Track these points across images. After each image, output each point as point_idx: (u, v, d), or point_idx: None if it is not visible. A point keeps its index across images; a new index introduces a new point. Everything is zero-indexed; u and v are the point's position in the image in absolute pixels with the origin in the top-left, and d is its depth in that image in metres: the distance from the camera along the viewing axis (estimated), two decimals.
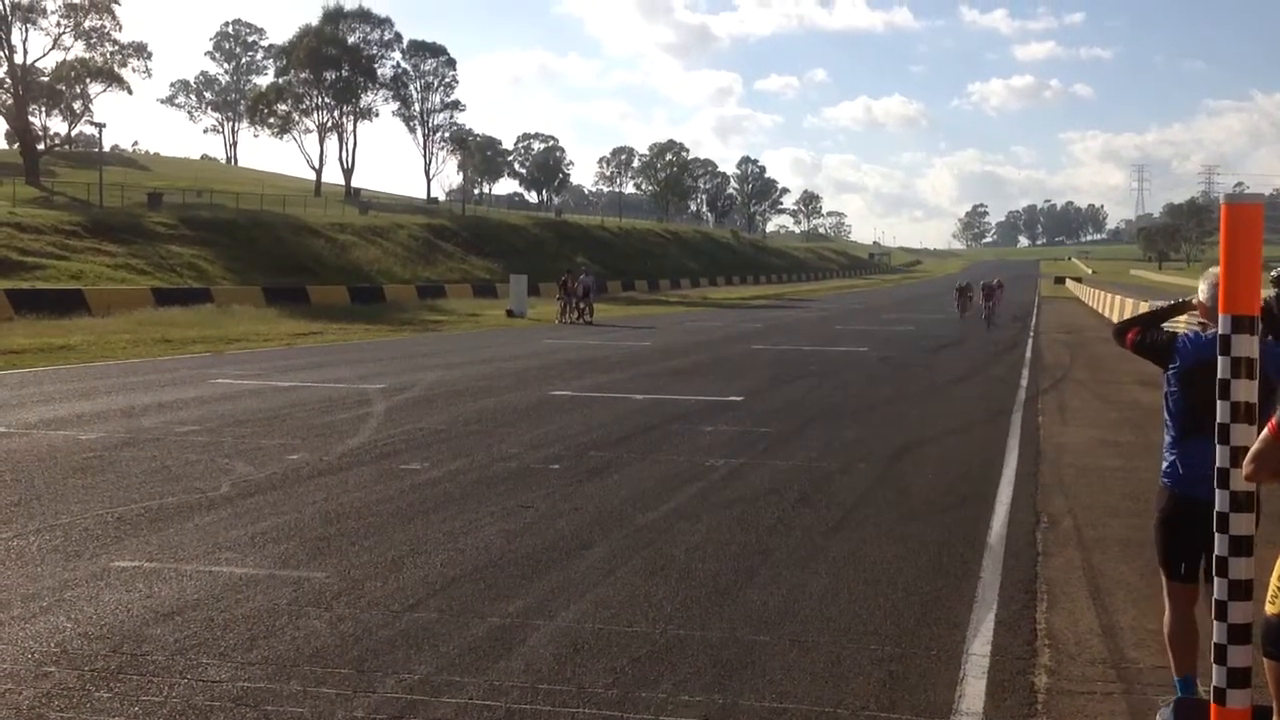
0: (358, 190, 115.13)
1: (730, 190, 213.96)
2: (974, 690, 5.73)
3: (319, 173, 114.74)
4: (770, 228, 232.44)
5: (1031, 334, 38.97)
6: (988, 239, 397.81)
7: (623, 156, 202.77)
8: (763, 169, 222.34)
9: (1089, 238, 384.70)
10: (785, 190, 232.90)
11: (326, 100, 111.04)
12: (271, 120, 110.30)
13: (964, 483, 11.52)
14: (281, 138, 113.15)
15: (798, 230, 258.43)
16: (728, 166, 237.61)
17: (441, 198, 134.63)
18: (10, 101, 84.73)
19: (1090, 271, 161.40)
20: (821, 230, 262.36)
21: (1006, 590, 7.54)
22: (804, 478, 11.45)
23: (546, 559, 8.12)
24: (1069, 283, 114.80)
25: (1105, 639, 6.62)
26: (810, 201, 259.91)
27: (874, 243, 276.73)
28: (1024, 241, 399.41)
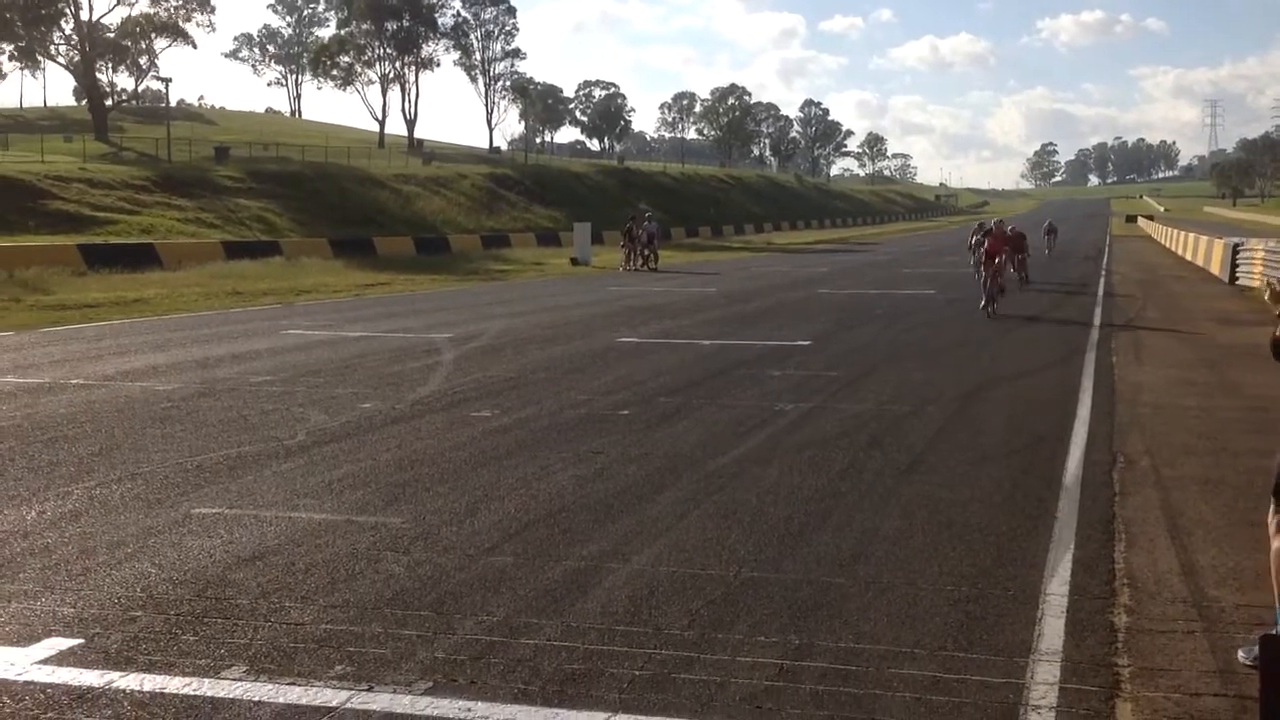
0: (421, 141, 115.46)
1: (793, 134, 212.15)
2: (1053, 629, 5.69)
3: (382, 124, 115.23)
4: (834, 171, 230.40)
5: (1103, 273, 38.40)
6: (1057, 178, 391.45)
7: (684, 102, 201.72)
8: (826, 111, 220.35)
9: (1161, 175, 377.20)
10: (850, 133, 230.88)
11: (388, 51, 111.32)
12: (334, 72, 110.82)
13: (1037, 423, 11.40)
14: (344, 89, 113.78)
15: (862, 173, 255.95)
16: (791, 110, 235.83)
17: (504, 147, 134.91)
18: (78, 58, 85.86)
19: (1163, 209, 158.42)
20: (887, 173, 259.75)
21: (1083, 530, 7.47)
22: (874, 421, 11.39)
23: (619, 504, 8.16)
24: (1140, 221, 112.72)
25: (1185, 578, 6.54)
26: (875, 144, 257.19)
27: (940, 184, 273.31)
28: (1094, 180, 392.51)
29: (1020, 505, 8.16)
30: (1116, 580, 6.49)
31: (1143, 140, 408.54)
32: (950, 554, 6.94)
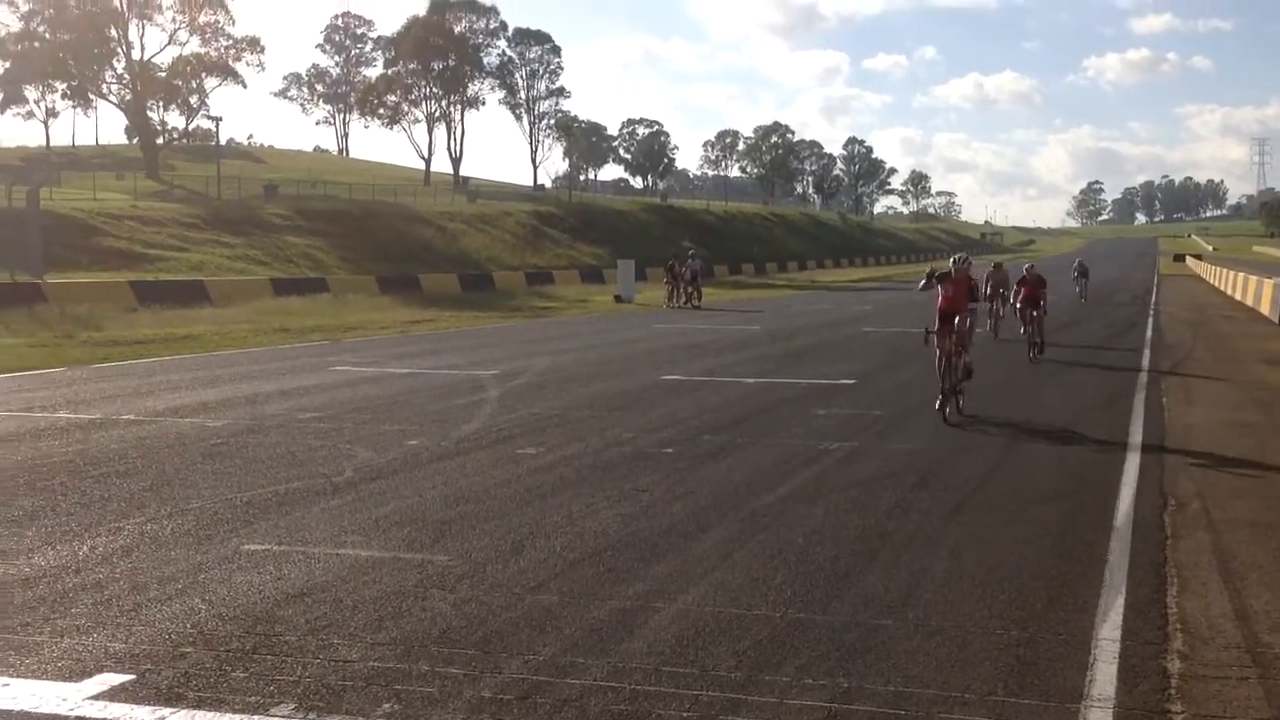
0: (466, 179, 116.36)
1: (837, 171, 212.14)
2: (1105, 675, 5.63)
3: (428, 162, 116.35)
4: (878, 209, 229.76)
5: (1152, 313, 38.08)
6: (1103, 217, 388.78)
7: (728, 140, 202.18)
8: (869, 149, 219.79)
9: (1208, 214, 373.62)
10: (893, 170, 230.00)
11: (434, 90, 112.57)
12: (381, 111, 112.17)
13: (1087, 465, 11.30)
14: (391, 128, 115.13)
15: (906, 211, 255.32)
16: (834, 147, 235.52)
17: (548, 184, 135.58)
18: (129, 97, 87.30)
19: (1211, 248, 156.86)
20: (931, 210, 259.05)
21: (1135, 574, 7.39)
22: (921, 460, 11.33)
23: (664, 542, 8.15)
24: (1189, 260, 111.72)
25: (1239, 623, 6.46)
26: (919, 181, 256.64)
27: (985, 222, 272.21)
28: (1141, 219, 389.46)
29: (1070, 548, 8.08)
30: (1169, 625, 6.41)
31: (1190, 179, 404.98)
32: (1000, 597, 6.88)
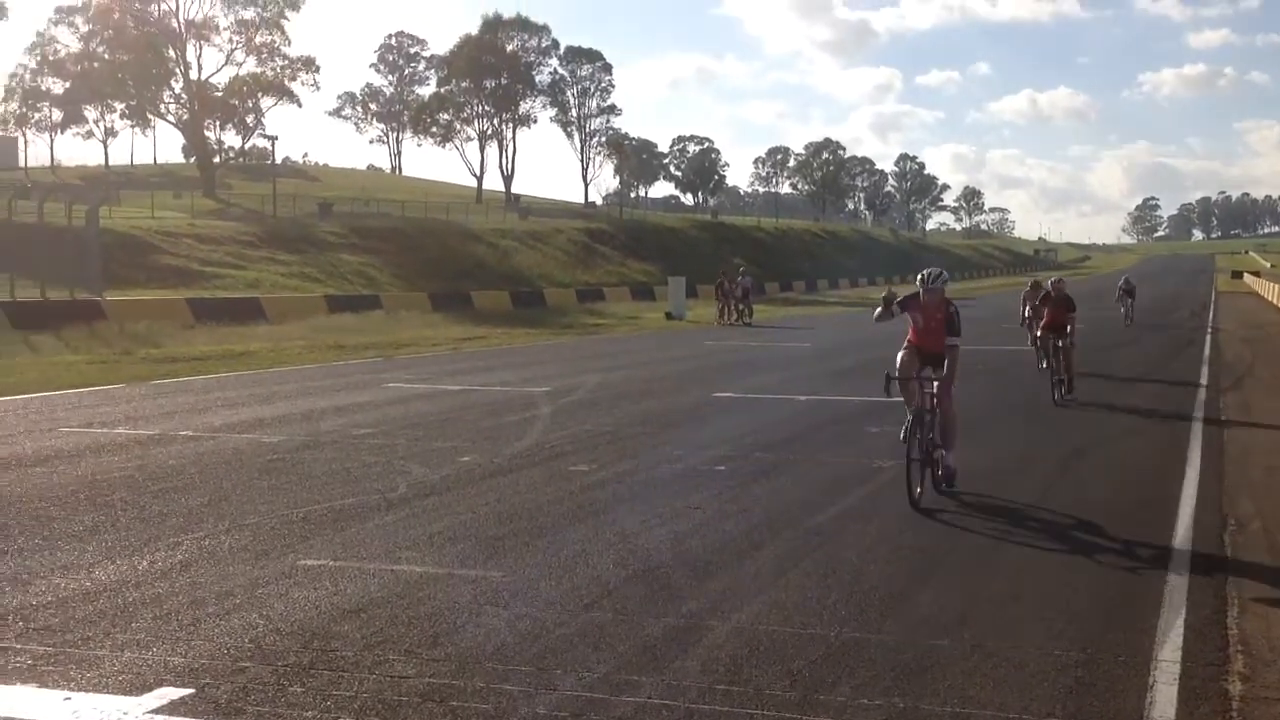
0: (517, 196, 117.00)
1: (888, 188, 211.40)
2: (1165, 697, 5.56)
3: (480, 180, 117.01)
4: (930, 225, 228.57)
5: (1209, 330, 37.58)
6: (1160, 233, 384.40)
7: (778, 156, 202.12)
8: (921, 166, 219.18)
9: (1266, 230, 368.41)
10: (946, 187, 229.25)
11: (486, 108, 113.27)
12: (434, 129, 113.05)
13: (1145, 484, 11.18)
14: (444, 146, 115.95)
15: (959, 227, 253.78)
16: (886, 164, 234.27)
17: (599, 201, 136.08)
18: (187, 116, 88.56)
19: (1269, 265, 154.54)
20: (984, 227, 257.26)
21: (1195, 595, 7.29)
22: (976, 478, 11.24)
23: (717, 560, 8.14)
24: (1247, 277, 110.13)
25: None
26: (972, 198, 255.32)
27: (1039, 239, 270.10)
28: (1198, 235, 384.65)
29: (1129, 567, 8.00)
30: (1230, 647, 6.33)
31: (1247, 195, 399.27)
32: (1057, 617, 6.81)
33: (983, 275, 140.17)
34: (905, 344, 10.90)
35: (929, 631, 6.53)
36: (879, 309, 10.90)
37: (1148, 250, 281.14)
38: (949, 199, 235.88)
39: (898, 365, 10.71)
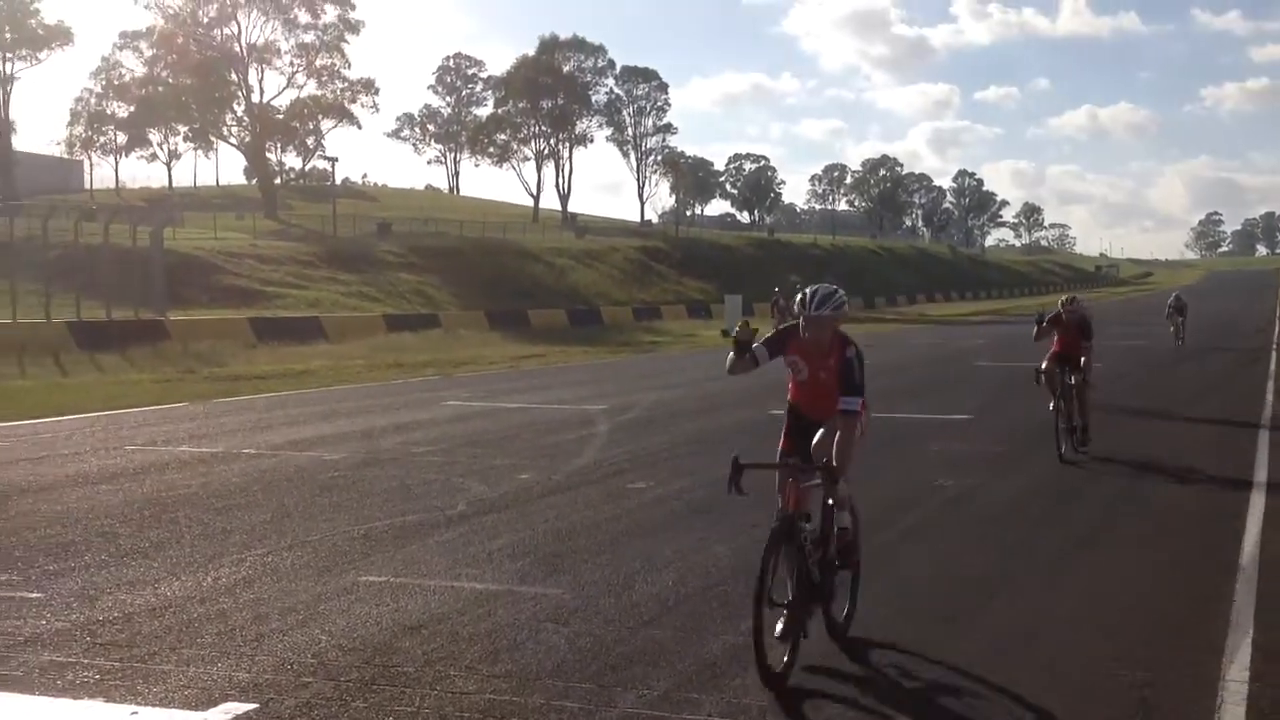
0: (574, 215, 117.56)
1: (946, 204, 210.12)
2: (1233, 717, 5.47)
3: (536, 199, 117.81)
4: (989, 242, 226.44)
5: (1275, 347, 36.93)
6: (1223, 248, 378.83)
7: (835, 173, 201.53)
8: (980, 182, 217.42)
9: None
10: (1005, 203, 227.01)
11: (543, 128, 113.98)
12: (491, 149, 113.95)
13: (1212, 502, 11.00)
14: (501, 166, 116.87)
15: (1018, 244, 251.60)
16: (944, 180, 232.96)
17: (655, 220, 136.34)
18: (249, 139, 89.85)
19: None
20: (1044, 243, 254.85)
21: (1263, 614, 7.15)
22: (1040, 497, 11.12)
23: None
24: None
25: None
26: (1031, 214, 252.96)
27: (1100, 255, 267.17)
28: (1262, 250, 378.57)
29: (1196, 587, 7.87)
30: None
31: None
32: (1124, 636, 6.72)
33: (1044, 292, 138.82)
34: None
35: (996, 651, 6.46)
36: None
37: (1210, 266, 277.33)
38: (1008, 215, 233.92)
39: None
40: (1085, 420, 14.27)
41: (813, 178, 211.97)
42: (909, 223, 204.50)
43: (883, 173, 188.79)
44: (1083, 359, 14.38)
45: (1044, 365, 14.41)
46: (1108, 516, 10.34)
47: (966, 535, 9.48)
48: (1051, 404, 14.11)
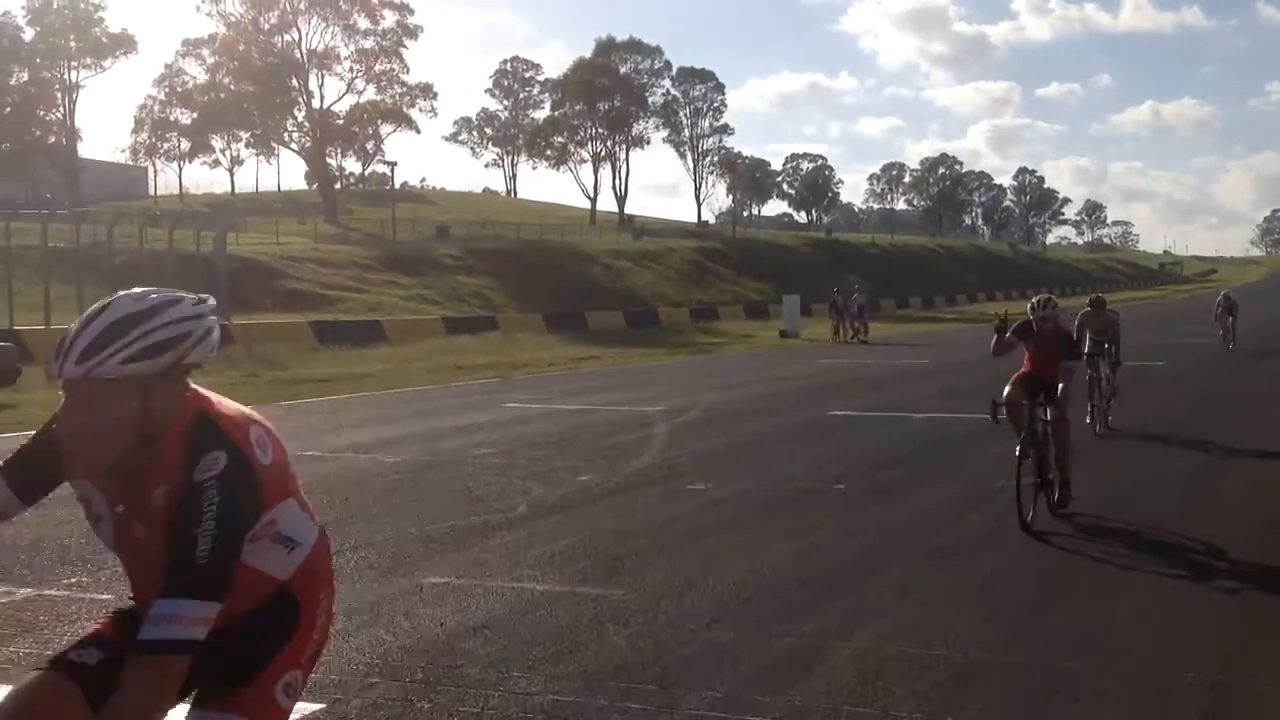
0: (631, 217, 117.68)
1: (1007, 202, 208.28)
2: None
3: (593, 201, 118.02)
4: (1050, 240, 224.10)
5: None
6: None
7: (893, 172, 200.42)
8: (1041, 179, 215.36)
9: None
10: (1066, 200, 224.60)
11: (600, 130, 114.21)
12: (548, 152, 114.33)
13: None
14: (558, 169, 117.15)
15: (1080, 241, 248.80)
16: (1004, 178, 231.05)
17: (711, 220, 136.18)
18: (309, 144, 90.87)
19: None
20: (1106, 241, 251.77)
21: None
22: (1103, 498, 10.99)
23: (839, 579, 8.07)
24: None
25: None
26: (1094, 211, 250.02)
27: (1164, 252, 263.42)
28: None
29: (1267, 587, 7.75)
30: None
31: None
32: (1192, 638, 6.63)
33: (1107, 290, 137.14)
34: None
35: (1059, 653, 6.40)
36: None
37: (1275, 263, 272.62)
38: (1070, 213, 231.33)
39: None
40: (1065, 473, 10.40)
41: (871, 177, 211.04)
42: (969, 221, 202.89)
43: (942, 171, 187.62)
44: (1059, 386, 10.09)
45: (1006, 392, 10.30)
46: (1176, 518, 10.19)
47: (1026, 537, 9.39)
48: (1018, 450, 9.83)
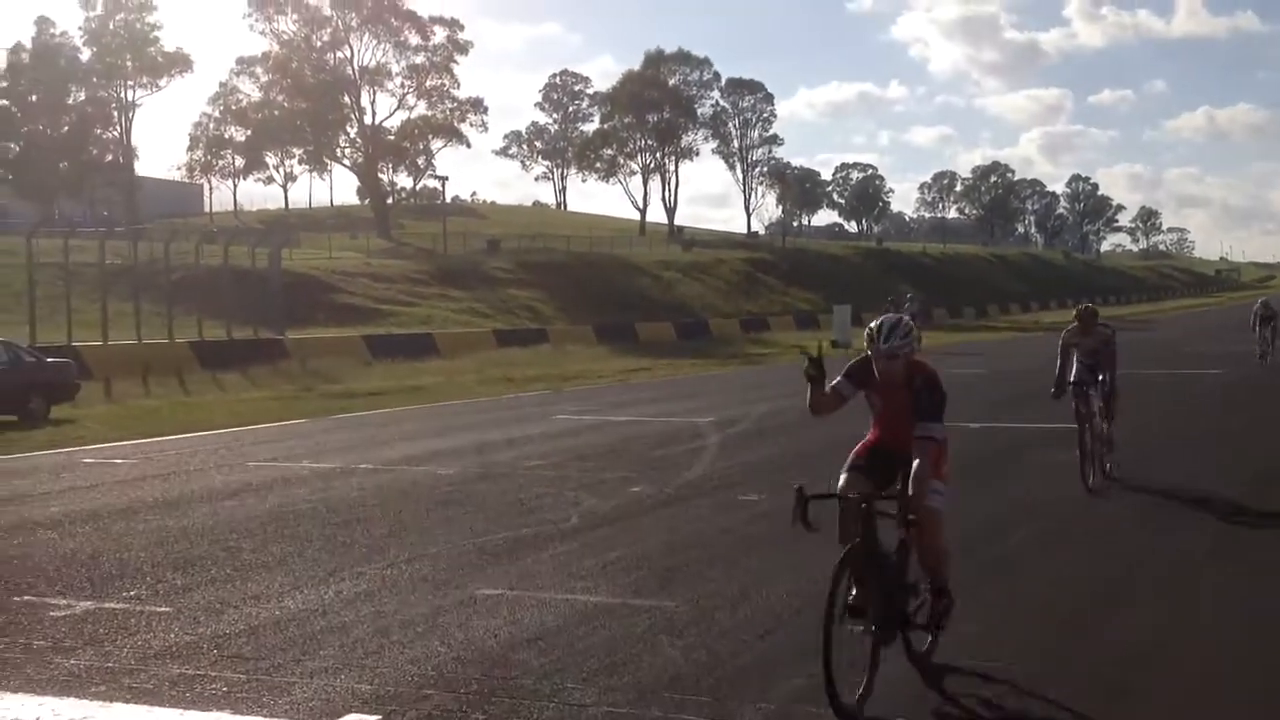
0: (680, 228, 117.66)
1: (1060, 210, 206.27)
2: None
3: (643, 213, 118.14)
4: (1104, 247, 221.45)
5: None
6: None
7: (944, 181, 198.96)
8: (1095, 186, 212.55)
9: None
10: (1120, 208, 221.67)
11: (649, 142, 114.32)
12: (598, 165, 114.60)
13: None
14: (607, 181, 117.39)
15: (1135, 249, 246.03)
16: (1057, 185, 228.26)
17: (761, 231, 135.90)
18: (361, 160, 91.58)
19: None
20: (1161, 247, 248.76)
21: None
22: (1162, 507, 10.85)
23: None
24: None
25: None
26: (1148, 218, 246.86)
27: (1220, 258, 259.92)
28: None
29: None
30: None
31: None
32: (1253, 647, 6.52)
33: (1162, 297, 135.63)
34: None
35: (1119, 664, 6.32)
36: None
37: None
38: (1124, 220, 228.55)
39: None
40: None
41: (921, 186, 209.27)
42: (1021, 229, 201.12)
43: (993, 179, 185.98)
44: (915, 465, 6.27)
45: (841, 480, 6.76)
46: (1233, 526, 10.04)
47: (1088, 545, 9.30)
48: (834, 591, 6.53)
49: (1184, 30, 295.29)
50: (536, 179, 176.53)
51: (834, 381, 6.65)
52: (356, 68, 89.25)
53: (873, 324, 6.43)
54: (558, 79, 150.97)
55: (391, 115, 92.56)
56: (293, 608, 7.81)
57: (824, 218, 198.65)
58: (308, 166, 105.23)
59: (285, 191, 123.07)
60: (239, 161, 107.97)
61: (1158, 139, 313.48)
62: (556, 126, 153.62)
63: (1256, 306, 31.39)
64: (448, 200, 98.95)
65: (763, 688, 6.03)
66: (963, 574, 8.45)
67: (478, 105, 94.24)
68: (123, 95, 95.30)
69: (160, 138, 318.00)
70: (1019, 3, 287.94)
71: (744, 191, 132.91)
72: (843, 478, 6.63)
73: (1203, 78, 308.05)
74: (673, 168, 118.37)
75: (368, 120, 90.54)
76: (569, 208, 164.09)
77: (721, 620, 7.33)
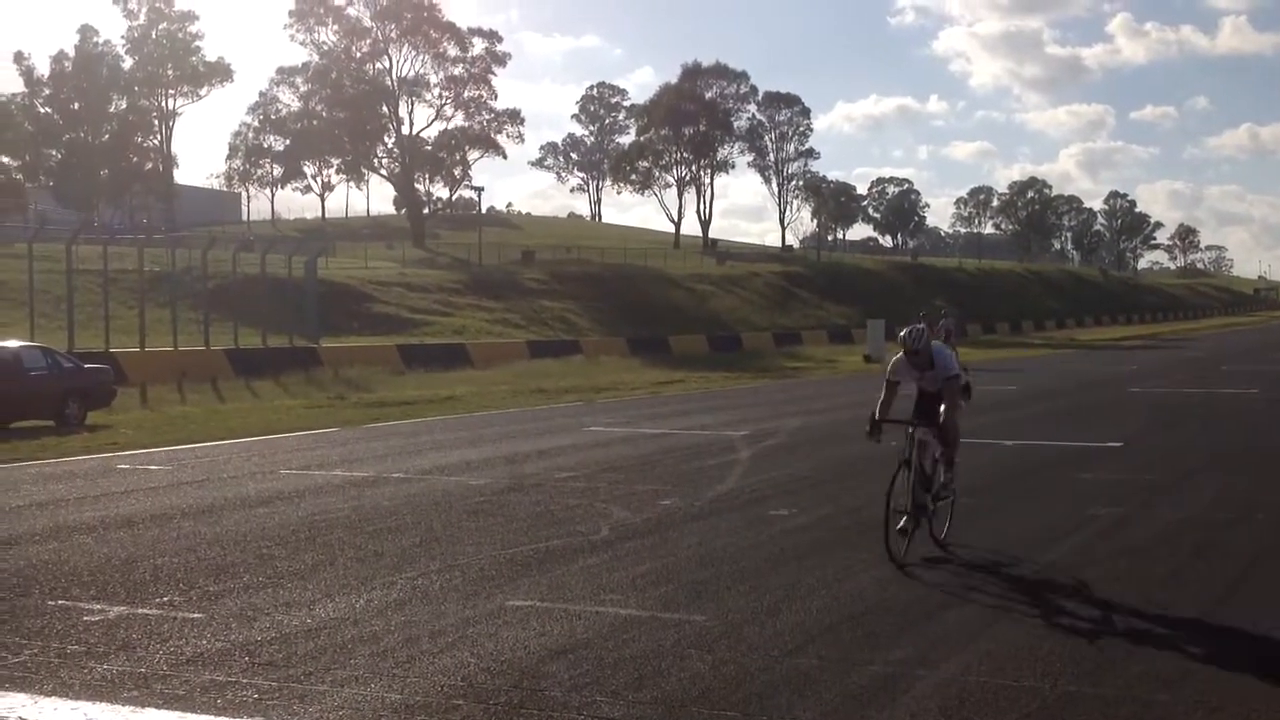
0: (715, 241, 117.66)
1: (1097, 227, 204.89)
2: None
3: (678, 225, 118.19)
4: (1142, 264, 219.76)
5: None
6: None
7: (981, 196, 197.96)
8: (1133, 203, 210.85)
9: None
10: (1159, 225, 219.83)
11: (685, 155, 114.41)
12: (633, 177, 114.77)
13: None
14: (643, 193, 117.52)
15: (1173, 266, 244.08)
16: (1094, 202, 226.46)
17: (796, 245, 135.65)
18: (398, 170, 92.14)
19: None
20: (1200, 265, 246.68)
21: None
22: (1196, 529, 10.76)
23: (924, 607, 7.98)
24: None
25: None
26: (1187, 235, 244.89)
27: (1259, 277, 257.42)
28: None
29: None
30: None
31: None
32: None
33: (1200, 316, 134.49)
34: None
35: (1149, 686, 6.27)
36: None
37: None
38: (1162, 237, 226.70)
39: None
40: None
41: (958, 200, 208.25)
42: (1058, 246, 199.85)
43: (1030, 195, 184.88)
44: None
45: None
46: (1266, 551, 9.95)
47: (1120, 566, 9.22)
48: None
49: (1228, 47, 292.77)
50: (572, 191, 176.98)
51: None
52: (395, 78, 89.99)
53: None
54: (595, 91, 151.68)
55: (429, 126, 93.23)
56: (324, 616, 7.86)
57: (859, 231, 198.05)
58: (345, 176, 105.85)
59: (322, 201, 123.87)
60: (277, 170, 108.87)
61: (1198, 156, 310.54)
62: (593, 139, 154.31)
63: None
64: (483, 211, 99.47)
65: (791, 704, 6.02)
66: (994, 591, 8.42)
67: (515, 117, 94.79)
68: (163, 104, 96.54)
69: (200, 146, 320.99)
70: (1062, 18, 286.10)
71: (779, 205, 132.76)
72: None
73: (1246, 94, 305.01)
74: (708, 180, 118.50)
75: (405, 130, 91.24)
76: (604, 220, 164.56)
77: (751, 635, 7.31)
